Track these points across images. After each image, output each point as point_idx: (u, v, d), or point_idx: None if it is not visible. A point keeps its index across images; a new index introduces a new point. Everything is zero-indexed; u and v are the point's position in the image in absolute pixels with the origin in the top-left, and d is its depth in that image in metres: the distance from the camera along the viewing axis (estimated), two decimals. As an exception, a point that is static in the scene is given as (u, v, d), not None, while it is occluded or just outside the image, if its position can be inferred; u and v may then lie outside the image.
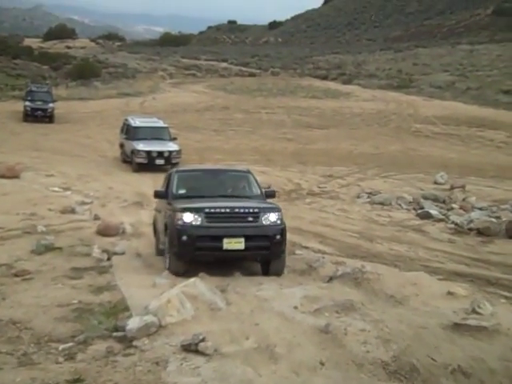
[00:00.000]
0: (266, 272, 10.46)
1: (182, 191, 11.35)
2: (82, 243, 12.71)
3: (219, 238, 9.84)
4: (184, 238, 9.83)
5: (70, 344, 6.98)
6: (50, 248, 11.93)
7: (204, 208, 10.05)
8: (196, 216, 9.92)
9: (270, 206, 10.75)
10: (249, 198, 11.31)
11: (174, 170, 12.57)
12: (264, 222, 10.10)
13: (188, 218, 9.92)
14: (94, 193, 19.19)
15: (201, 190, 11.32)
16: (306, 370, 6.07)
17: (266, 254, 10.22)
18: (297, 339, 6.70)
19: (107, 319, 7.67)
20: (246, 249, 9.94)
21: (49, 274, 10.34)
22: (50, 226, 14.08)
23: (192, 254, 9.93)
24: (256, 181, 11.89)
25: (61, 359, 6.59)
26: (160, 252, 11.65)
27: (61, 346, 6.95)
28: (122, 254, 12.05)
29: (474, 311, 7.67)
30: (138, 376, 5.87)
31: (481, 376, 6.12)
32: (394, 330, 6.94)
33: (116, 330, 7.21)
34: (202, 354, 6.29)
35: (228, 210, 10.13)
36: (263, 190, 11.70)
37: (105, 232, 13.66)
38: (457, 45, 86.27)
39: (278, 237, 10.10)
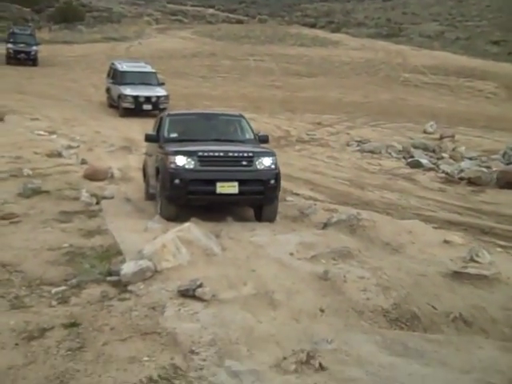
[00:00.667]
0: (258, 217, 10.27)
1: (173, 135, 10.97)
2: (69, 187, 12.41)
3: (212, 182, 9.55)
4: (176, 181, 9.53)
5: (63, 287, 6.79)
6: (37, 191, 11.63)
7: (197, 151, 9.73)
8: (189, 159, 9.60)
9: (264, 150, 10.46)
10: (242, 142, 10.98)
11: (166, 113, 12.12)
12: (258, 167, 9.81)
13: (181, 161, 9.60)
14: (80, 137, 18.84)
15: (193, 134, 10.94)
16: (306, 316, 5.95)
17: (259, 198, 9.96)
18: (295, 286, 6.58)
19: (100, 263, 7.46)
20: (240, 193, 9.68)
21: (37, 217, 10.08)
22: (36, 169, 13.76)
23: (184, 198, 9.64)
24: (249, 125, 11.56)
25: (54, 303, 6.39)
26: (150, 197, 11.39)
27: (53, 290, 6.74)
28: (111, 198, 11.77)
29: (472, 260, 7.57)
30: (135, 321, 5.72)
31: (482, 325, 6.05)
32: (393, 277, 6.84)
33: (110, 274, 7.02)
34: (200, 299, 6.14)
35: (222, 154, 9.82)
36: (257, 135, 11.41)
37: (93, 176, 13.37)
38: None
39: (272, 181, 9.84)
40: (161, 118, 11.66)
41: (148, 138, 11.32)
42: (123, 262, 7.29)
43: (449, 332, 5.92)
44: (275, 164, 10.00)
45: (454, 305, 6.31)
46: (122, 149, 17.65)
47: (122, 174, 14.10)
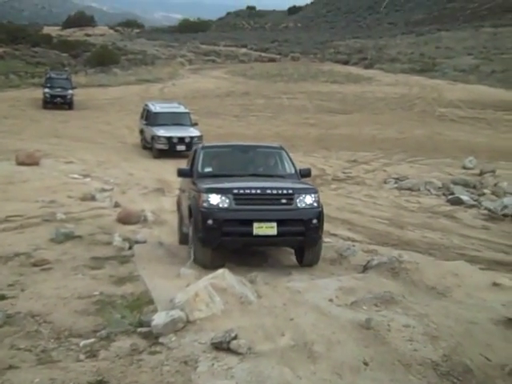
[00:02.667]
0: (300, 260, 9.70)
1: (208, 169, 10.42)
2: (102, 231, 12.29)
3: (249, 223, 8.93)
4: (209, 221, 8.93)
5: (92, 340, 6.51)
6: (69, 236, 11.50)
7: (232, 189, 9.15)
8: (223, 197, 9.01)
9: (305, 186, 9.82)
10: (282, 177, 10.40)
11: (200, 145, 11.50)
12: (299, 205, 9.18)
13: (214, 199, 9.01)
14: (113, 180, 18.81)
15: (229, 168, 10.41)
16: (348, 370, 5.53)
17: (300, 240, 9.29)
18: (336, 336, 6.16)
19: (131, 313, 7.14)
20: (279, 234, 9.01)
21: (69, 263, 9.90)
22: (69, 213, 13.69)
23: (218, 240, 9.00)
24: (290, 158, 10.88)
25: (82, 357, 6.11)
26: (184, 237, 10.83)
27: (82, 342, 6.47)
28: (144, 242, 11.56)
29: (525, 304, 7.09)
30: (166, 377, 5.37)
31: (542, 378, 5.55)
32: (440, 325, 6.38)
33: (140, 325, 6.69)
34: (235, 352, 5.76)
35: (259, 191, 9.17)
36: (298, 169, 10.68)
37: (125, 220, 13.22)
38: (480, 28, 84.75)
39: (315, 221, 9.16)
40: (195, 151, 11.10)
41: (181, 173, 10.72)
42: (154, 311, 6.99)
43: (505, 387, 5.43)
44: (318, 202, 9.38)
45: (509, 355, 5.81)
46: (156, 191, 17.49)
47: (155, 217, 13.88)
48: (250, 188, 9.25)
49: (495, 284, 8.14)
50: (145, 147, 26.06)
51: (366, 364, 5.66)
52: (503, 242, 12.37)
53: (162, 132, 24.44)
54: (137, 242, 11.41)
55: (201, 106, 38.32)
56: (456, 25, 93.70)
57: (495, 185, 18.77)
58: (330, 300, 7.36)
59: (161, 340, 6.25)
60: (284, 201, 9.21)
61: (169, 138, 24.26)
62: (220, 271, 7.55)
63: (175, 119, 25.80)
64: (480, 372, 5.60)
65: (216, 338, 5.98)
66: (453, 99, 43.01)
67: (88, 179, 18.60)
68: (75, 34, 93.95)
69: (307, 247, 9.52)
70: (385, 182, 20.03)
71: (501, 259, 10.94)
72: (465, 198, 16.77)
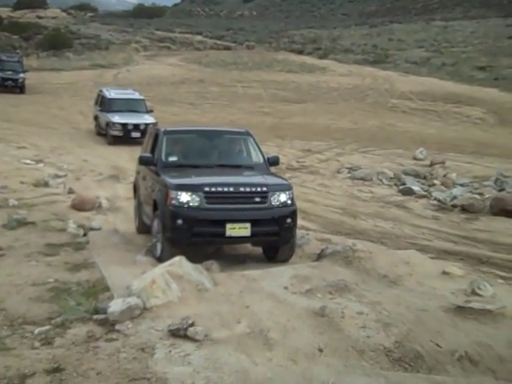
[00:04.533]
0: (270, 257, 9.36)
1: (172, 158, 9.80)
2: (56, 218, 12.15)
3: (221, 223, 8.45)
4: (179, 221, 8.42)
5: (47, 327, 6.45)
6: (22, 223, 11.33)
7: (203, 186, 8.59)
8: (193, 196, 8.46)
9: (279, 182, 9.35)
10: (251, 168, 9.92)
11: (162, 130, 10.43)
12: (273, 203, 8.75)
13: (184, 197, 8.47)
14: (67, 166, 18.59)
15: (195, 157, 9.87)
16: (303, 357, 5.63)
17: (274, 240, 8.98)
18: (291, 323, 6.26)
19: (86, 300, 7.09)
20: (253, 235, 8.64)
21: (22, 250, 9.75)
22: (22, 199, 13.49)
23: (188, 241, 8.53)
24: (257, 144, 10.36)
25: (37, 344, 6.06)
26: (144, 227, 10.43)
27: (37, 330, 6.41)
28: (99, 229, 11.49)
29: (473, 292, 7.30)
30: (123, 364, 5.38)
31: (489, 364, 5.72)
32: (393, 312, 6.53)
33: (96, 312, 6.66)
34: (192, 339, 5.81)
35: (232, 189, 8.65)
36: (266, 157, 10.19)
37: (80, 206, 13.10)
38: (431, 21, 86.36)
39: (289, 220, 8.86)
40: (156, 135, 10.36)
41: (143, 161, 10.07)
42: (110, 298, 6.96)
43: (455, 372, 5.59)
44: (292, 199, 9.01)
45: (458, 342, 6.00)
46: (110, 177, 17.34)
47: (110, 204, 13.80)
48: (222, 185, 8.75)
49: (445, 273, 8.37)
50: (99, 133, 25.80)
51: (320, 350, 5.78)
52: (452, 232, 12.69)
53: (116, 118, 24.22)
54: (92, 229, 11.33)
55: (156, 93, 38.09)
56: (408, 17, 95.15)
57: (445, 176, 19.20)
58: (285, 288, 7.44)
59: (117, 327, 6.23)
60: (258, 199, 8.75)
61: (123, 125, 24.05)
62: (176, 258, 7.55)
63: (130, 106, 25.56)
64: (431, 358, 5.77)
65: (173, 324, 6.01)
66: (404, 91, 43.68)
67: (41, 165, 18.34)
68: (26, 16, 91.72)
69: (281, 246, 9.21)
70: (338, 172, 20.29)
71: (450, 248, 11.23)
72: (416, 188, 17.12)
